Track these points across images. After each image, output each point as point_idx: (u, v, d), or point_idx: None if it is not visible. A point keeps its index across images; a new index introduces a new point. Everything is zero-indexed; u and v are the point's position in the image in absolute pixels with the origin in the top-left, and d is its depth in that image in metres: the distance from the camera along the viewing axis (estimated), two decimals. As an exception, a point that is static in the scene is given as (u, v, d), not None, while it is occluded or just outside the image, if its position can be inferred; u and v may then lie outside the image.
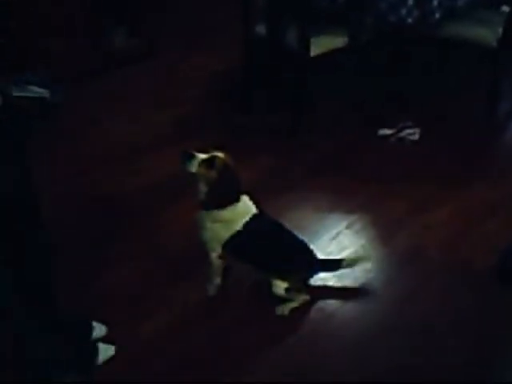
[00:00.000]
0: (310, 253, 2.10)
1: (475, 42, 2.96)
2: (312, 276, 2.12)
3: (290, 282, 2.00)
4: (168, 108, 3.30)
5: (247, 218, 1.95)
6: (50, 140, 3.02)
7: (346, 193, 2.65)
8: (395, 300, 2.13)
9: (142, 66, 3.69)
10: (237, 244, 1.98)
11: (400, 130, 3.02)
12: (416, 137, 3.01)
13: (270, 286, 2.02)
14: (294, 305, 2.06)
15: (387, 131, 3.02)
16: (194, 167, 1.86)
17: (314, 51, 2.81)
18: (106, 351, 1.90)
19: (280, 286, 2.00)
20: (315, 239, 2.34)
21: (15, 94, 3.04)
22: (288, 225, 2.17)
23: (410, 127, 3.04)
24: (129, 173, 2.79)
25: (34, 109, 3.09)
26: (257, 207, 2.01)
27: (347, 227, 2.45)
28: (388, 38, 3.11)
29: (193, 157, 1.86)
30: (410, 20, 2.85)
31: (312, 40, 2.78)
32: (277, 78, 3.34)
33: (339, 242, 2.36)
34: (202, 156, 1.88)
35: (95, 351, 1.88)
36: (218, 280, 2.10)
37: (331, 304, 2.12)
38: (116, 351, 1.92)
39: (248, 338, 1.99)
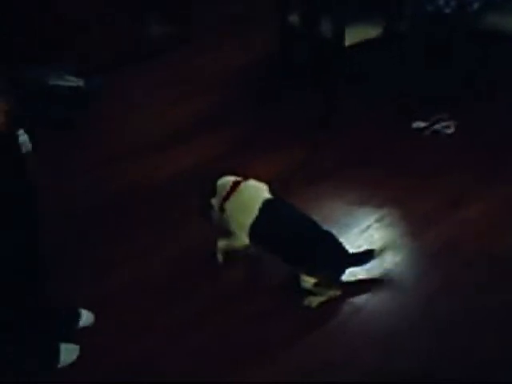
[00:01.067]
0: (339, 248, 2.06)
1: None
2: (343, 272, 2.08)
3: (317, 278, 1.98)
4: (203, 96, 3.31)
5: (260, 203, 1.99)
6: (85, 129, 3.08)
7: (378, 186, 2.62)
8: (424, 295, 2.10)
9: (176, 53, 3.70)
10: (258, 231, 2.00)
11: (435, 123, 2.96)
12: (451, 130, 2.94)
13: (298, 278, 2.02)
14: (322, 299, 2.04)
15: (421, 124, 2.96)
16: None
17: (349, 41, 2.77)
18: (70, 353, 1.87)
19: (308, 281, 1.99)
20: (345, 232, 2.32)
21: (52, 82, 3.11)
22: (317, 217, 2.17)
23: (445, 120, 2.97)
24: (157, 163, 2.81)
25: (69, 98, 3.15)
26: (273, 194, 2.05)
27: (377, 221, 2.42)
28: (424, 29, 3.04)
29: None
30: (447, 10, 2.78)
31: (347, 30, 2.74)
32: (311, 68, 3.31)
33: (369, 236, 2.33)
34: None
35: (57, 352, 1.85)
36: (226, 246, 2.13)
37: (360, 297, 2.10)
38: (142, 338, 1.94)
39: (275, 329, 1.99)
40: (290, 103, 3.21)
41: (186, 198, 2.54)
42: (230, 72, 3.55)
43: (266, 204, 2.01)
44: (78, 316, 1.97)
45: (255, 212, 1.99)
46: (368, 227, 2.39)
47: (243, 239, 2.04)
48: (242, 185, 2.05)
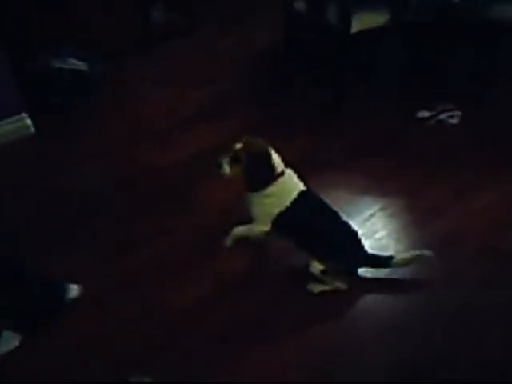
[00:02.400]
0: (357, 245, 2.05)
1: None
2: (356, 268, 2.07)
3: (326, 266, 1.98)
4: (207, 83, 3.29)
5: (295, 195, 1.96)
6: (89, 114, 3.07)
7: (382, 175, 2.61)
8: (432, 286, 2.10)
9: (181, 41, 3.68)
10: (285, 221, 1.98)
11: (439, 113, 2.94)
12: (456, 120, 2.92)
13: (308, 263, 2.01)
14: (325, 288, 2.04)
15: (426, 113, 2.94)
16: (226, 171, 1.95)
17: (355, 28, 2.74)
18: (9, 341, 1.88)
19: (316, 267, 1.98)
20: (347, 220, 2.31)
21: (55, 65, 3.09)
22: None
23: (450, 110, 2.95)
24: (167, 147, 2.81)
25: (72, 81, 3.13)
26: (304, 184, 2.02)
27: (381, 210, 2.42)
28: (432, 18, 3.01)
29: (221, 165, 1.96)
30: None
31: (353, 17, 2.71)
32: (316, 54, 3.28)
33: (372, 225, 2.33)
34: (226, 159, 1.95)
35: None
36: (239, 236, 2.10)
37: (364, 286, 2.09)
38: (154, 319, 1.95)
39: (280, 317, 1.99)
40: (297, 91, 3.19)
41: (195, 183, 2.56)
42: (234, 60, 3.52)
43: (300, 196, 1.98)
44: (65, 289, 2.00)
45: (287, 203, 1.96)
46: (371, 216, 2.38)
47: (265, 226, 2.02)
48: (286, 175, 1.98)
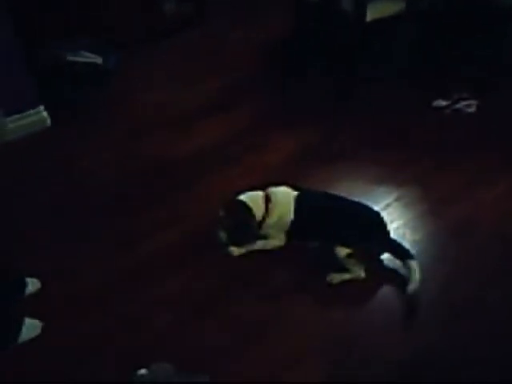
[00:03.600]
0: (382, 227, 2.06)
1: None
2: (382, 251, 2.07)
3: (353, 249, 1.97)
4: (220, 74, 3.29)
5: (293, 203, 2.02)
6: (103, 105, 3.09)
7: (398, 165, 2.59)
8: (445, 273, 2.09)
9: (192, 31, 3.68)
10: (299, 228, 2.04)
11: (456, 102, 2.91)
12: (472, 109, 2.89)
13: (332, 250, 2.01)
14: (346, 277, 2.03)
15: (442, 102, 2.92)
16: (224, 239, 2.11)
17: (370, 16, 2.72)
18: (32, 329, 1.88)
19: (342, 252, 1.98)
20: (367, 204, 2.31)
21: (69, 58, 3.10)
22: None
23: (466, 99, 2.92)
24: (180, 138, 2.82)
25: (86, 74, 3.15)
26: (296, 189, 2.07)
27: (397, 200, 2.41)
28: (445, 6, 2.98)
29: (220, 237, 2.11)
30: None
31: (368, 5, 2.69)
32: (329, 43, 3.26)
33: (388, 214, 2.31)
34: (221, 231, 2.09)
35: (19, 327, 1.85)
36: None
37: (380, 274, 2.08)
38: (153, 318, 1.96)
39: (297, 304, 2.00)
40: (309, 80, 3.18)
41: (207, 173, 2.56)
42: (247, 50, 3.52)
43: (298, 200, 2.04)
44: (24, 285, 1.99)
45: (291, 216, 2.03)
46: (387, 206, 2.37)
47: (280, 241, 2.10)
48: (272, 197, 2.04)
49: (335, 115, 2.92)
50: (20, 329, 1.85)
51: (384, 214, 2.30)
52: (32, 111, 2.87)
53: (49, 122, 2.94)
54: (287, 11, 3.39)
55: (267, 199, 2.04)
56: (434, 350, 1.84)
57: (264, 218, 2.03)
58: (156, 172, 2.62)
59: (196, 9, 3.78)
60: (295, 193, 2.06)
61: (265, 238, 2.12)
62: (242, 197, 2.05)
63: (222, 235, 2.08)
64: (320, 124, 2.86)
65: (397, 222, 2.28)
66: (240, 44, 3.57)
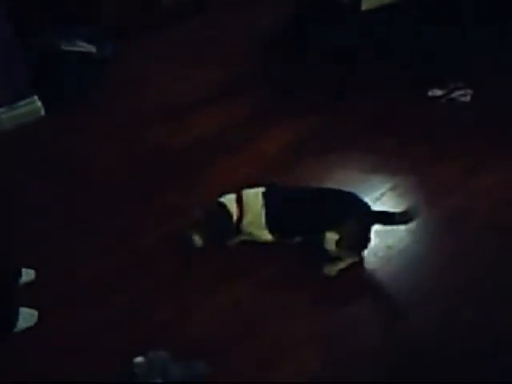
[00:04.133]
0: (362, 203, 2.05)
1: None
2: (369, 226, 2.04)
3: (341, 233, 1.96)
4: (219, 63, 3.28)
5: (261, 200, 2.04)
6: (99, 95, 3.07)
7: (393, 154, 2.59)
8: (439, 262, 2.11)
9: (191, 22, 3.65)
10: (275, 225, 2.05)
11: (451, 91, 2.91)
12: (468, 98, 2.89)
13: (321, 243, 2.01)
14: (341, 265, 2.04)
15: (437, 92, 2.92)
16: (197, 243, 2.09)
17: (366, 5, 2.71)
18: (28, 317, 1.89)
19: (330, 241, 1.98)
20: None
21: (64, 47, 3.08)
22: (331, 185, 2.23)
23: (461, 88, 2.92)
24: (179, 129, 2.81)
25: (82, 64, 3.13)
26: (267, 186, 2.09)
27: (392, 189, 2.41)
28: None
29: (189, 239, 2.09)
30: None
31: (363, -6, 2.68)
32: (328, 32, 3.25)
33: (383, 203, 2.32)
34: (194, 234, 2.08)
35: (16, 316, 1.86)
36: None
37: (374, 263, 2.10)
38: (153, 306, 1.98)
39: (293, 299, 2.01)
40: (309, 68, 3.17)
41: (206, 164, 2.57)
42: (246, 40, 3.49)
43: (264, 195, 2.05)
44: (18, 274, 2.00)
45: (262, 211, 2.04)
46: (382, 195, 2.38)
47: (268, 236, 2.09)
48: (244, 197, 2.07)
49: (334, 104, 2.91)
50: (17, 317, 1.86)
51: (379, 203, 2.33)
52: (26, 101, 2.86)
53: (43, 111, 2.93)
54: (286, 1, 3.38)
55: (239, 200, 2.06)
56: (430, 341, 1.85)
57: (240, 219, 2.06)
58: (155, 163, 2.62)
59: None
60: (262, 189, 2.08)
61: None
62: (221, 199, 2.08)
63: (197, 239, 2.08)
64: (319, 112, 2.85)
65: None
66: (239, 34, 3.54)
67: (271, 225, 2.05)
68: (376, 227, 2.07)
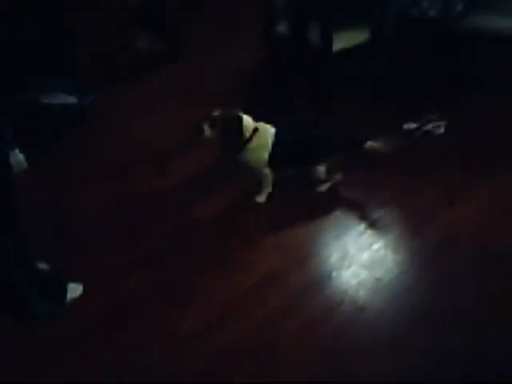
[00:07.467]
0: (329, 139, 2.57)
1: (498, 33, 2.93)
2: (342, 152, 2.55)
3: (328, 163, 2.51)
4: (195, 109, 3.31)
5: (271, 139, 2.44)
6: (80, 145, 3.09)
7: (373, 187, 2.64)
8: (428, 291, 2.12)
9: (167, 68, 3.73)
10: (276, 158, 2.46)
11: (425, 124, 3.00)
12: (442, 130, 2.98)
13: (312, 175, 2.52)
14: (329, 184, 2.58)
15: (412, 125, 3.00)
16: (207, 133, 2.36)
17: (336, 46, 2.81)
18: (74, 290, 2.14)
19: (321, 169, 2.51)
20: (343, 235, 2.37)
21: (43, 100, 3.12)
22: (314, 221, 2.35)
23: (435, 120, 3.01)
24: (159, 173, 2.84)
25: (61, 115, 3.16)
26: (275, 125, 2.47)
27: (376, 221, 2.45)
28: (410, 32, 3.09)
29: (201, 129, 2.36)
30: (431, 12, 2.84)
31: (334, 35, 2.78)
32: (301, 74, 3.34)
33: (368, 237, 2.36)
34: (206, 125, 2.36)
35: (64, 290, 2.12)
36: (269, 189, 2.57)
37: (363, 296, 2.12)
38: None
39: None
40: (281, 110, 3.24)
41: (189, 205, 2.61)
42: (220, 84, 3.57)
43: (275, 136, 2.45)
44: (65, 290, 2.14)
45: (269, 147, 2.44)
46: (366, 229, 2.41)
47: (264, 169, 2.50)
48: (260, 129, 2.43)
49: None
50: (66, 291, 2.12)
51: (364, 237, 2.37)
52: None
53: (25, 164, 2.93)
54: (260, 46, 3.47)
55: (255, 129, 2.41)
56: (418, 370, 1.85)
57: (248, 141, 2.40)
58: (135, 208, 2.63)
59: (170, 45, 3.85)
60: (274, 130, 2.46)
61: (246, 167, 2.51)
62: (242, 115, 2.40)
63: (207, 129, 2.34)
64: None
65: (377, 244, 2.32)
66: (214, 78, 3.63)
67: (272, 160, 2.46)
68: (364, 260, 2.09)
